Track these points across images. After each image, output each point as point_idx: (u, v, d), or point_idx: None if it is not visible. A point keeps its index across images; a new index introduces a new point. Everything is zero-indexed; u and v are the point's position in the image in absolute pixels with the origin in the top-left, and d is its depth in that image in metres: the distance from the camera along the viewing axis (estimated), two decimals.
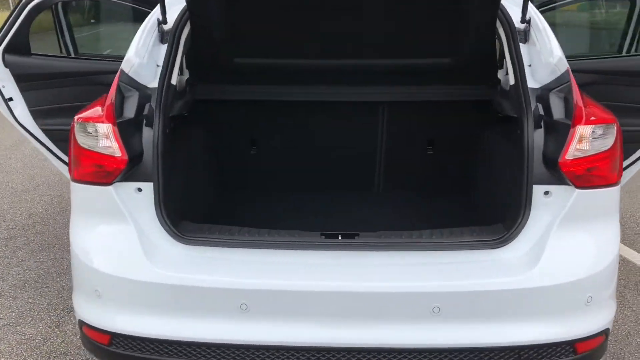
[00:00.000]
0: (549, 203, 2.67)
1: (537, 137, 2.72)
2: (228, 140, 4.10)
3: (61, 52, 5.21)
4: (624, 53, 4.77)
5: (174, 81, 3.00)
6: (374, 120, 3.97)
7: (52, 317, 4.18)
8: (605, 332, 2.71)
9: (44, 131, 4.39)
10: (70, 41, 5.22)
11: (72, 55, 5.20)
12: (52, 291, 4.54)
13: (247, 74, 3.74)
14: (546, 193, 2.68)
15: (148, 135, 2.77)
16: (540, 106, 2.77)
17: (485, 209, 3.55)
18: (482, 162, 3.79)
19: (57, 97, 4.24)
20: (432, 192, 4.16)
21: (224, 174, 4.23)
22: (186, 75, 3.64)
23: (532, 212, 2.66)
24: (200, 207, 3.56)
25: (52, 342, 3.89)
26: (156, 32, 3.11)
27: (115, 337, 2.69)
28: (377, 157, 4.12)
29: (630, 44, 4.71)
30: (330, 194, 4.15)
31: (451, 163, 4.14)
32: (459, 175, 4.15)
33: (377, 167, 4.17)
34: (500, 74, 3.51)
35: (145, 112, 2.80)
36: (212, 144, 4.05)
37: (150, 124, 2.77)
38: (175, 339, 2.61)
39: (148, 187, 2.73)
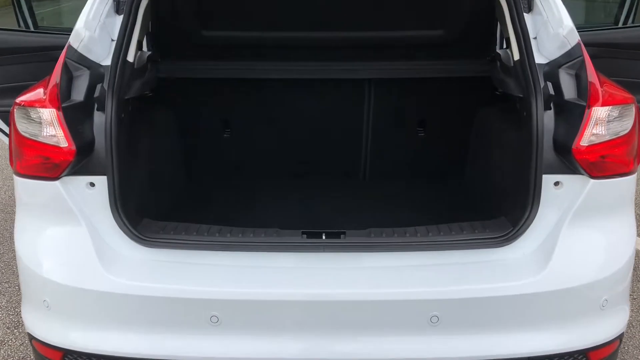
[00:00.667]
0: (559, 195, 2.36)
1: (546, 120, 2.40)
2: (198, 123, 3.71)
3: (19, 26, 4.73)
4: (620, 25, 4.46)
5: (130, 58, 2.61)
6: (360, 100, 3.62)
7: (10, 317, 3.82)
8: (619, 337, 2.44)
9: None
10: (28, 14, 4.73)
11: (31, 30, 4.72)
12: (12, 287, 4.16)
13: (217, 49, 3.35)
14: (556, 184, 2.36)
15: (100, 121, 2.38)
16: (549, 85, 2.43)
17: (484, 199, 3.24)
18: (480, 146, 3.47)
19: (11, 75, 3.79)
20: (424, 179, 3.84)
21: (194, 162, 3.85)
22: (147, 51, 3.24)
23: (540, 205, 2.35)
24: (166, 202, 3.20)
25: (10, 345, 3.54)
26: (110, 0, 2.69)
27: (69, 354, 2.36)
28: (363, 141, 3.78)
29: (627, 15, 4.39)
30: (313, 182, 3.81)
31: (445, 146, 3.81)
32: (454, 160, 3.82)
33: (363, 152, 3.83)
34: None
35: (97, 94, 2.40)
36: (180, 128, 3.67)
37: (102, 108, 2.38)
38: (135, 356, 2.28)
39: (102, 182, 2.36)
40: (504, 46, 3.28)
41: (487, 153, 3.28)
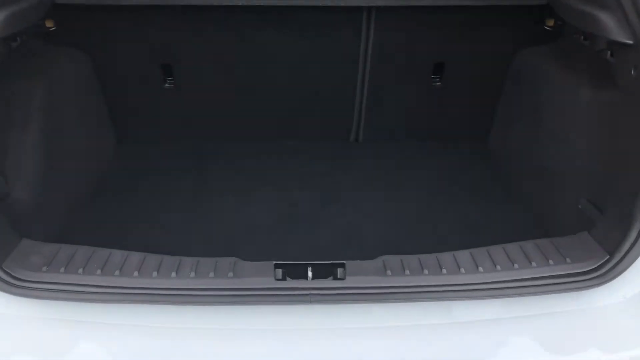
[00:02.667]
0: None
1: None
2: (124, 70, 2.63)
3: None
4: None
5: None
6: (354, 35, 2.57)
7: None
8: None
9: None
10: None
11: None
12: None
13: None
14: None
15: None
16: None
17: (533, 190, 2.34)
18: (521, 105, 2.50)
19: None
20: (439, 146, 2.88)
21: (121, 128, 2.82)
22: None
23: None
24: (69, 201, 2.24)
25: None
26: None
27: None
28: (357, 92, 2.77)
29: None
30: (288, 151, 2.83)
31: (470, 102, 2.82)
32: (482, 121, 2.87)
33: (357, 108, 2.83)
34: None
35: None
36: (100, 79, 2.60)
37: None
38: None
39: None
40: None
41: (539, 122, 2.33)
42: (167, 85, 2.72)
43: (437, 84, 2.76)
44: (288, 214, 2.37)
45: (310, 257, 2.02)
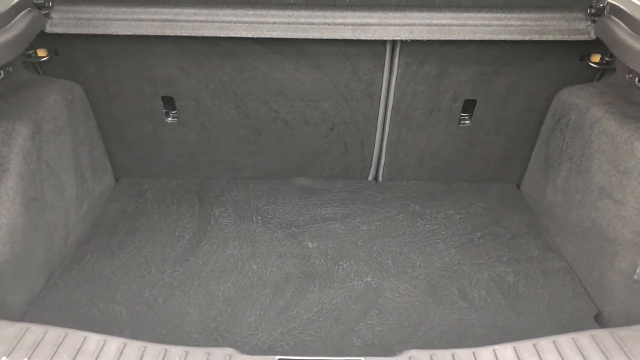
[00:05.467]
0: None
1: None
2: (122, 103, 2.40)
3: None
4: None
5: None
6: (375, 68, 2.32)
7: None
8: None
9: None
10: None
11: None
12: None
13: None
14: None
15: None
16: None
17: (578, 252, 2.06)
18: (568, 155, 2.22)
19: None
20: (467, 192, 2.62)
21: (116, 166, 2.60)
22: None
23: None
24: (53, 254, 2.01)
25: None
26: None
27: None
28: (377, 128, 2.52)
29: None
30: (300, 192, 2.59)
31: (503, 144, 2.56)
32: (515, 164, 2.60)
33: (377, 144, 2.58)
34: None
35: None
36: (91, 113, 2.39)
37: None
38: None
39: None
40: None
41: (584, 171, 2.05)
42: (169, 119, 2.49)
43: (467, 122, 2.49)
44: (298, 271, 2.12)
45: (321, 334, 1.76)
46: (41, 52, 2.21)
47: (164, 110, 2.45)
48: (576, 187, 2.13)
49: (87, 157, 2.37)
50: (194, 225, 2.37)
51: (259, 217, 2.43)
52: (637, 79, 1.96)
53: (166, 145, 2.56)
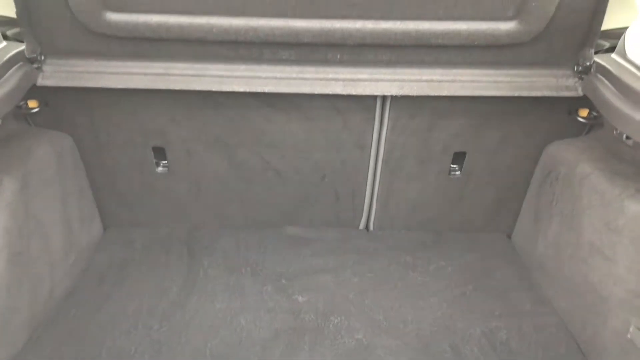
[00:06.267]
0: None
1: None
2: (113, 153, 2.40)
3: None
4: None
5: None
6: (366, 121, 2.34)
7: None
8: None
9: None
10: None
11: None
12: None
13: (136, 42, 2.03)
14: None
15: None
16: None
17: (571, 307, 2.04)
18: (558, 209, 2.22)
19: None
20: (458, 242, 2.61)
21: (104, 216, 2.58)
22: (15, 44, 1.94)
23: None
24: (38, 310, 1.98)
25: None
26: None
27: None
28: (368, 178, 2.52)
29: None
30: (290, 242, 2.58)
31: (493, 195, 2.57)
32: (506, 215, 2.61)
33: (368, 194, 2.58)
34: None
35: None
36: (80, 163, 2.38)
37: None
38: None
39: None
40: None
41: (576, 227, 2.05)
42: (160, 169, 2.48)
43: (457, 173, 2.50)
44: (288, 327, 2.08)
45: None
46: (32, 103, 2.21)
47: (154, 160, 2.44)
48: (567, 241, 2.13)
49: (75, 208, 2.35)
50: (183, 277, 2.34)
51: (248, 269, 2.40)
52: (624, 135, 1.98)
53: (156, 194, 2.54)
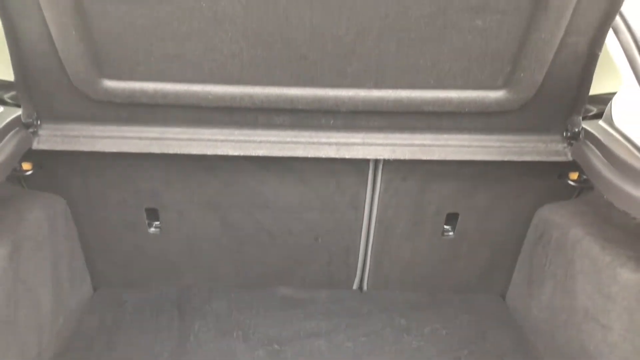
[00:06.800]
0: None
1: None
2: (105, 214, 2.39)
3: None
4: None
5: None
6: (359, 183, 2.36)
7: None
8: None
9: None
10: None
11: None
12: None
13: (131, 108, 2.06)
14: None
15: None
16: None
17: None
18: (551, 273, 2.22)
19: None
20: (452, 302, 2.59)
21: (95, 276, 2.55)
22: (11, 109, 1.96)
23: None
24: None
25: None
26: None
27: None
28: (362, 239, 2.52)
29: None
30: (282, 303, 2.55)
31: (486, 256, 2.56)
32: (499, 276, 2.60)
33: (361, 254, 2.57)
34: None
35: None
36: (72, 224, 2.37)
37: None
38: None
39: None
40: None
41: (569, 291, 2.04)
42: (152, 230, 2.47)
43: (450, 234, 2.51)
44: None
45: None
46: (26, 166, 2.21)
47: (147, 221, 2.43)
48: (561, 306, 2.12)
49: (65, 269, 2.32)
50: (173, 341, 2.29)
51: (240, 332, 2.36)
52: None
53: (147, 255, 2.52)
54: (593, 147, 1.99)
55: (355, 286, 2.69)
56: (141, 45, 1.80)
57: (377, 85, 1.97)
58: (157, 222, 2.46)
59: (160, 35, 1.77)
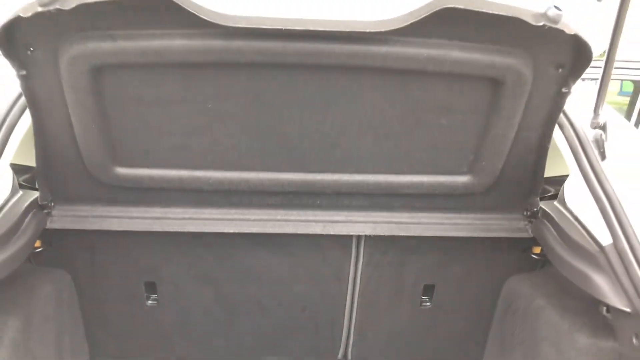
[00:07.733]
0: None
1: None
2: (106, 288, 2.56)
3: None
4: None
5: None
6: (343, 257, 2.58)
7: None
8: None
9: None
10: None
11: None
12: None
13: (138, 191, 2.28)
14: None
15: None
16: None
17: None
18: (520, 340, 2.42)
19: None
20: None
21: (93, 346, 2.69)
22: (29, 193, 2.17)
23: None
24: None
25: None
26: None
27: None
28: (346, 310, 2.70)
29: None
30: None
31: (461, 325, 2.76)
32: (475, 344, 2.78)
33: (346, 325, 2.75)
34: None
35: None
36: (75, 298, 2.53)
37: None
38: None
39: None
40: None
41: (538, 358, 2.24)
42: (149, 302, 2.64)
43: (428, 304, 2.71)
44: None
45: None
46: (36, 243, 2.39)
47: (145, 294, 2.60)
48: None
49: (68, 341, 2.46)
50: None
51: None
52: None
53: (143, 327, 2.67)
54: (550, 225, 2.25)
55: (340, 355, 2.84)
56: (153, 138, 2.05)
57: (358, 171, 2.23)
58: (155, 295, 2.62)
59: (170, 130, 2.03)
